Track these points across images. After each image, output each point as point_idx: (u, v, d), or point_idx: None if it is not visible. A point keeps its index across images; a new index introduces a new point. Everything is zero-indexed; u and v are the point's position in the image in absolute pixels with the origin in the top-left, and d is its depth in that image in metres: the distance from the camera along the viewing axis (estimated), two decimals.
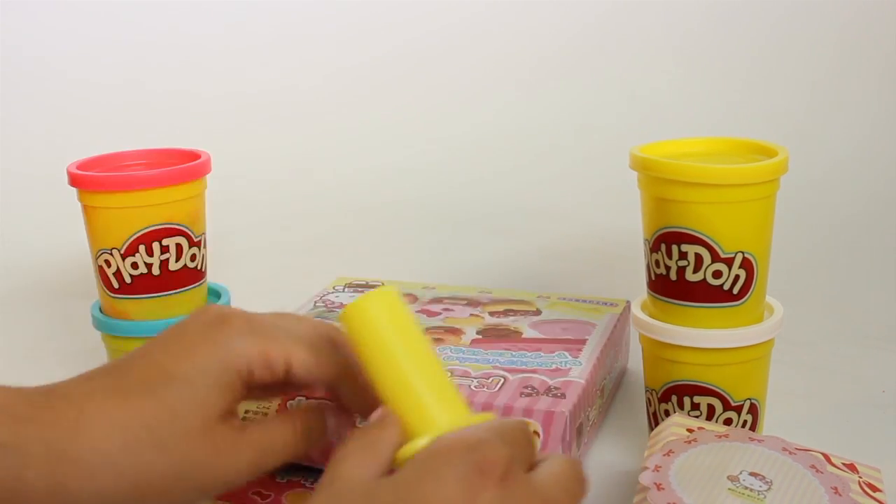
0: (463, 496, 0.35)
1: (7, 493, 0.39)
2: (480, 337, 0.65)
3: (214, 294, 0.71)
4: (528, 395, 0.55)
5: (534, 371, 0.59)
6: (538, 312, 0.70)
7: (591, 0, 1.29)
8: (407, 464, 0.37)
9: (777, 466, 0.48)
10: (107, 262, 0.64)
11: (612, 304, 0.71)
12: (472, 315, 0.69)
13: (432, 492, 0.35)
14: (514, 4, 1.30)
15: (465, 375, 0.58)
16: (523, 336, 0.65)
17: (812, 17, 1.24)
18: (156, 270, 0.64)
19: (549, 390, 0.56)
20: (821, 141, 1.16)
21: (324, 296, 0.74)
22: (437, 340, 0.64)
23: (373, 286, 0.76)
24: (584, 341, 0.64)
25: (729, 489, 0.46)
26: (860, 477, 0.49)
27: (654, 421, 0.60)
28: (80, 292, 0.89)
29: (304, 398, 0.56)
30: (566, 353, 0.62)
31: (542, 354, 0.62)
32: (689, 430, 0.52)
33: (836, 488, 0.47)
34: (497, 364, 0.60)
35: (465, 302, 0.72)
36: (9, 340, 0.83)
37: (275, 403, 0.56)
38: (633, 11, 1.28)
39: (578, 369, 0.59)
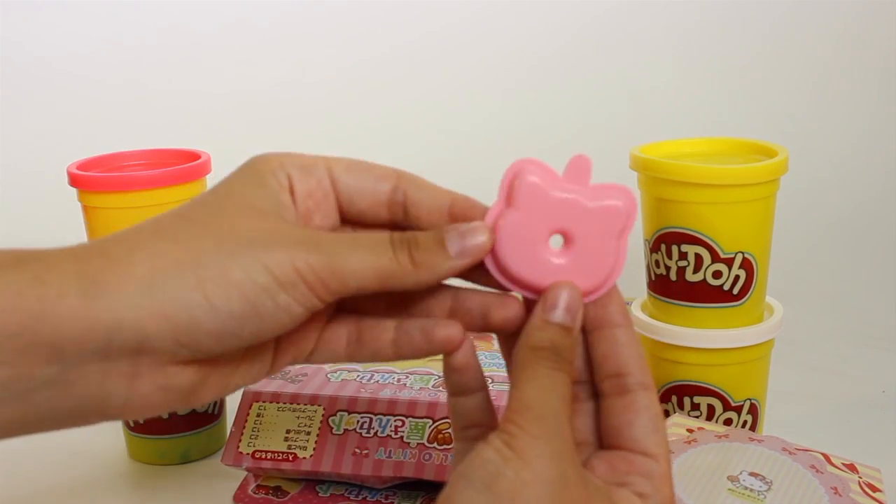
0: None
1: (30, 318, 0.31)
2: None
3: None
4: None
5: None
6: None
7: (590, 0, 1.29)
8: None
9: (777, 466, 0.48)
10: None
11: None
12: None
13: None
14: (513, 4, 1.30)
15: (506, 381, 0.57)
16: None
17: (812, 17, 1.24)
18: None
19: None
20: (821, 141, 1.16)
21: None
22: None
23: None
24: None
25: (729, 489, 0.46)
26: (860, 477, 0.49)
27: None
28: None
29: (345, 412, 0.55)
30: None
31: None
32: (689, 431, 0.52)
33: (836, 488, 0.47)
34: None
35: None
36: None
37: (316, 420, 0.55)
38: (632, 11, 1.28)
39: None
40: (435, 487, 0.54)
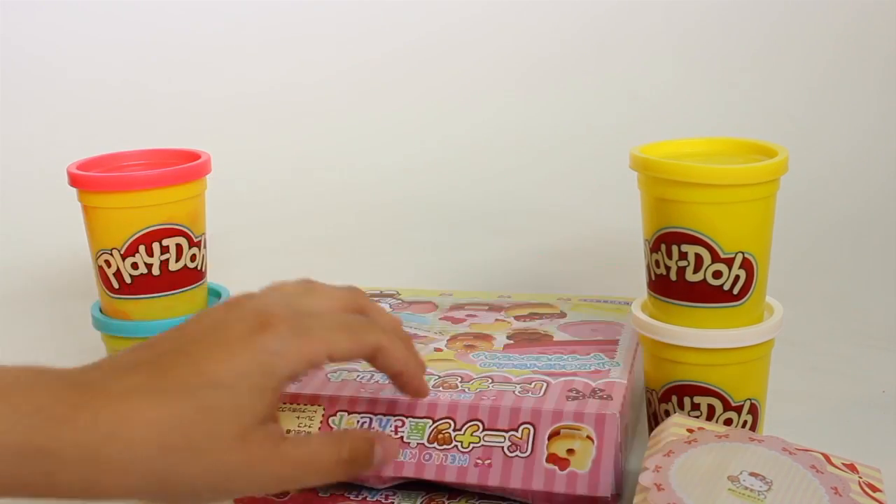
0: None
1: (39, 492, 0.40)
2: (512, 342, 0.65)
3: (214, 294, 0.71)
4: (575, 398, 0.55)
5: (574, 374, 0.58)
6: (563, 315, 0.70)
7: (590, 0, 1.29)
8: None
9: (777, 466, 0.48)
10: (107, 262, 0.64)
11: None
12: (497, 320, 0.69)
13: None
14: (513, 4, 1.30)
15: (507, 381, 0.57)
16: (554, 339, 0.65)
17: (812, 17, 1.24)
18: (156, 271, 0.64)
19: (593, 392, 0.56)
20: (821, 141, 1.16)
21: None
22: (469, 347, 0.64)
23: (387, 295, 0.76)
24: (615, 342, 0.64)
25: (729, 489, 0.46)
26: (860, 477, 0.49)
27: (654, 421, 0.61)
28: (80, 292, 0.89)
29: (345, 413, 0.55)
30: (601, 355, 0.61)
31: (579, 357, 0.61)
32: (689, 431, 0.52)
33: (836, 488, 0.47)
34: (536, 368, 0.59)
35: (487, 307, 0.72)
36: (9, 340, 0.83)
37: (316, 420, 0.55)
38: (632, 11, 1.28)
39: (618, 370, 0.59)
40: (434, 487, 0.54)
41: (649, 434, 0.61)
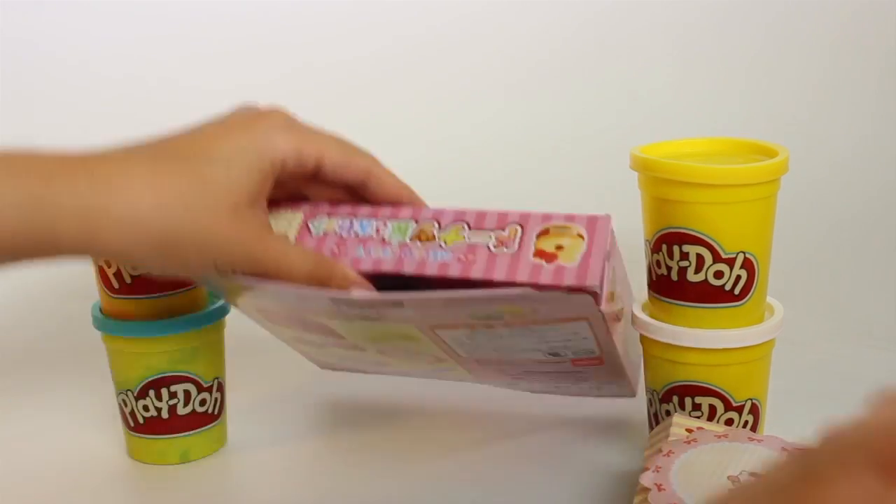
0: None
1: (41, 245, 0.41)
2: None
3: (215, 294, 0.71)
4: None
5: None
6: None
7: (590, 0, 1.29)
8: None
9: None
10: (107, 262, 0.64)
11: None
12: None
13: None
14: (512, 4, 1.30)
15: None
16: None
17: (812, 17, 1.24)
18: None
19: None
20: (821, 141, 1.16)
21: None
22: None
23: None
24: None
25: (729, 489, 0.46)
26: None
27: (655, 421, 0.60)
28: (80, 292, 0.88)
29: (326, 216, 0.52)
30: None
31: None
32: (689, 431, 0.52)
33: None
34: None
35: None
36: (9, 340, 0.83)
37: (295, 224, 0.52)
38: (632, 11, 1.28)
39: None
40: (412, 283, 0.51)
41: (649, 434, 0.62)
